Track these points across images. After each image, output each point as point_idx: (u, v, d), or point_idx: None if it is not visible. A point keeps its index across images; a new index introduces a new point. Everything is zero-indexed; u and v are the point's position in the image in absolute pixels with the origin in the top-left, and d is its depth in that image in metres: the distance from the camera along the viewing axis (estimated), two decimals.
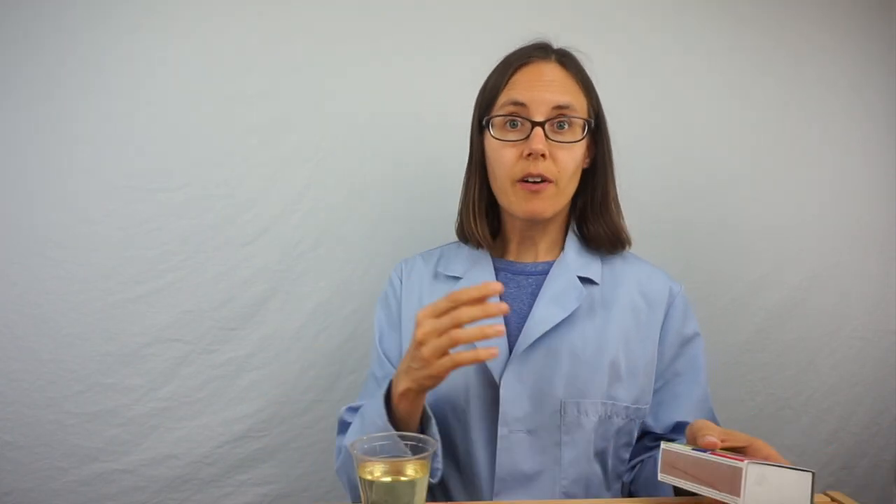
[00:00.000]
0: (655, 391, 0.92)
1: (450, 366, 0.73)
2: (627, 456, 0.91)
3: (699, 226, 1.33)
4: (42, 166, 1.16)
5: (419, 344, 0.73)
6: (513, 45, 0.95)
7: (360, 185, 1.26)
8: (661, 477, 0.72)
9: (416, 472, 0.67)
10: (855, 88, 1.36)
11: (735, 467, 0.63)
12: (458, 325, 0.72)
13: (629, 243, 0.97)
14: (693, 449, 0.70)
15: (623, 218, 0.97)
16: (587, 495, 0.87)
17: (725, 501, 0.64)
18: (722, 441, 0.71)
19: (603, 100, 1.29)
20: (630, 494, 0.93)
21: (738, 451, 0.73)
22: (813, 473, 0.64)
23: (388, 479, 0.67)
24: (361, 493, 0.68)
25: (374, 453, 0.71)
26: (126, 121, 1.18)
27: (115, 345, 1.17)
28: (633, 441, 0.91)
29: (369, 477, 0.66)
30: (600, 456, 0.88)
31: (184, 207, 1.20)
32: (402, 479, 0.67)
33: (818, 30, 1.35)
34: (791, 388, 1.35)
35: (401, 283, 0.99)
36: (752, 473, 0.62)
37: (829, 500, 0.78)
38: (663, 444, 0.73)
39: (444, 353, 0.73)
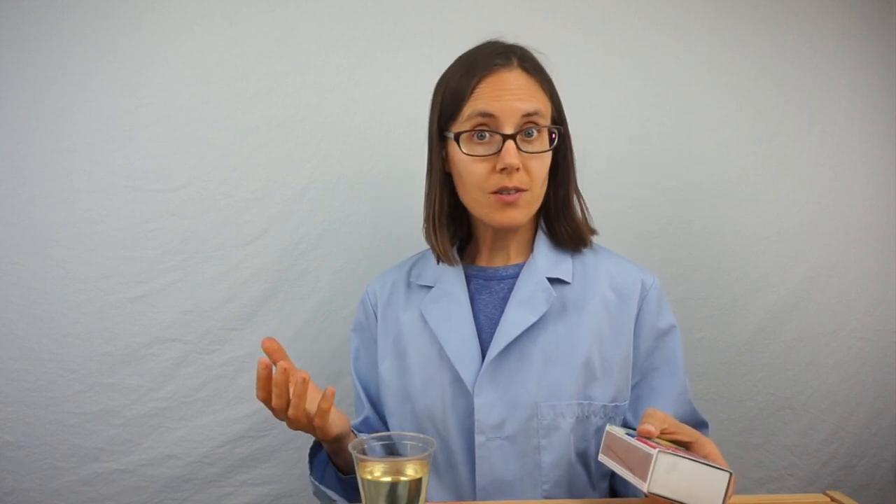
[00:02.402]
0: (633, 386, 0.91)
1: (295, 425, 0.78)
2: None
3: (699, 226, 1.33)
4: (42, 166, 1.16)
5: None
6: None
7: (360, 185, 1.26)
8: (600, 458, 0.74)
9: (417, 471, 0.67)
10: (855, 88, 1.36)
11: (647, 453, 0.64)
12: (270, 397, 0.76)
13: (590, 241, 0.95)
14: (627, 433, 0.70)
15: (587, 214, 0.96)
16: (571, 497, 0.87)
17: (637, 486, 0.64)
18: (670, 433, 0.72)
19: (604, 100, 1.31)
20: (612, 489, 0.92)
21: (682, 444, 0.73)
22: (731, 474, 0.63)
23: (388, 478, 0.67)
24: (361, 493, 0.68)
25: (374, 453, 0.71)
26: (126, 121, 1.18)
27: (115, 345, 1.17)
28: None
29: (369, 477, 0.66)
30: (582, 457, 0.87)
31: (184, 207, 1.20)
32: (403, 478, 0.67)
33: (818, 30, 1.35)
34: (791, 388, 1.35)
35: (373, 307, 0.99)
36: (663, 461, 0.62)
37: (828, 500, 0.78)
38: (608, 427, 0.74)
39: (285, 413, 0.76)
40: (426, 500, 0.69)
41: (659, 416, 0.73)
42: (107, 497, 1.18)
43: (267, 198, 1.23)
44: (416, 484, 0.67)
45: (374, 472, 0.67)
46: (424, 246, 1.04)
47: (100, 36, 1.18)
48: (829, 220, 1.35)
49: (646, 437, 0.69)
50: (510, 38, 0.92)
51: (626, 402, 0.90)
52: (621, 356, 0.89)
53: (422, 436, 0.71)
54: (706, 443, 0.73)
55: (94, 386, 1.17)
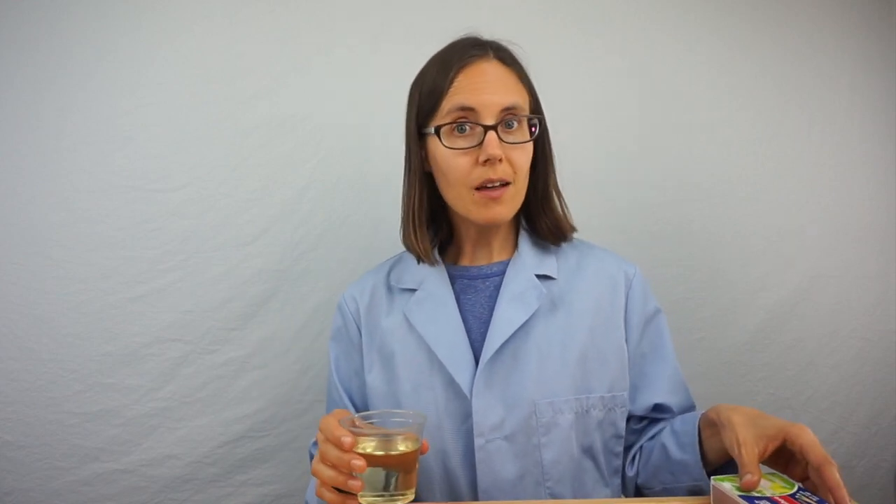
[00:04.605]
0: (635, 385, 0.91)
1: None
2: (620, 448, 0.90)
3: (699, 226, 1.33)
4: (42, 166, 1.16)
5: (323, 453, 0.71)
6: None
7: (360, 185, 1.26)
8: None
9: (408, 446, 0.68)
10: (855, 88, 1.36)
11: None
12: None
13: (570, 235, 0.95)
14: (741, 496, 0.67)
15: (566, 207, 0.95)
16: (576, 494, 0.86)
17: None
18: (761, 451, 0.69)
19: (604, 100, 1.31)
20: (638, 492, 0.92)
21: (776, 457, 0.71)
22: None
23: (381, 453, 0.68)
24: None
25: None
26: (126, 121, 1.18)
27: (115, 345, 1.17)
28: (622, 432, 0.90)
29: (361, 453, 0.67)
30: (589, 452, 0.87)
31: (184, 207, 1.20)
32: (394, 453, 0.68)
33: (818, 30, 1.35)
34: (791, 388, 1.35)
35: (354, 315, 0.97)
36: None
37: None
38: (713, 481, 0.71)
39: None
40: (417, 475, 0.70)
41: (748, 454, 0.69)
42: (107, 497, 1.18)
43: (267, 198, 1.23)
44: (408, 457, 0.68)
45: (367, 448, 0.68)
46: None
47: (100, 36, 1.18)
48: (829, 220, 1.35)
49: (750, 488, 0.67)
50: (507, 38, 0.92)
51: (625, 392, 0.89)
52: (614, 347, 0.89)
53: (411, 411, 0.73)
54: (795, 435, 0.68)
55: (94, 386, 1.17)
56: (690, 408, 0.92)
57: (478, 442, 0.84)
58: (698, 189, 1.33)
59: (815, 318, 1.35)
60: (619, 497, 0.91)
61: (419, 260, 0.94)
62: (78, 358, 1.16)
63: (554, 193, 0.94)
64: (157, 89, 1.19)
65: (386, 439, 0.69)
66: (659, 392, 0.91)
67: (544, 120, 0.92)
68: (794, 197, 1.35)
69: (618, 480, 0.91)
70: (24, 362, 1.15)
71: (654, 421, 0.92)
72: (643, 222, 1.32)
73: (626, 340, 0.91)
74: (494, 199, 0.85)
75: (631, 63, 1.31)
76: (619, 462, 0.91)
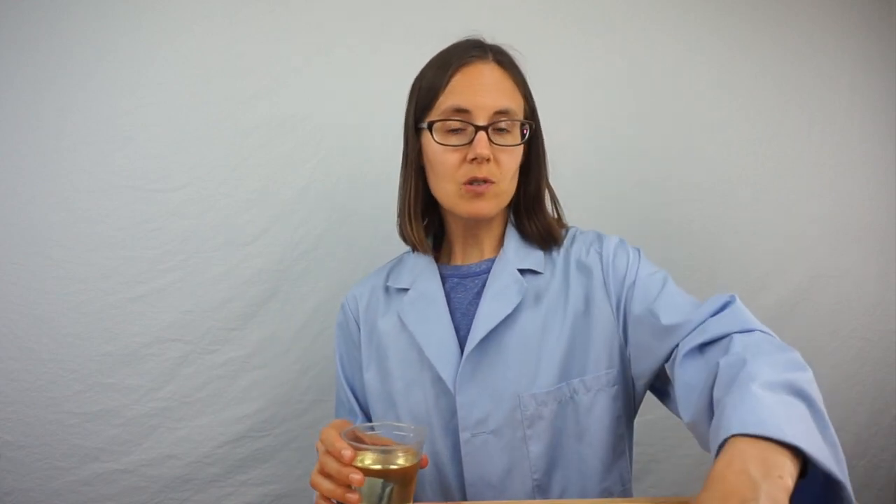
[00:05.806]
0: (642, 343, 0.84)
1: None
2: (623, 430, 0.89)
3: (699, 226, 1.33)
4: (42, 166, 1.16)
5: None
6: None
7: (360, 185, 1.26)
8: None
9: (408, 460, 0.68)
10: (855, 88, 1.36)
11: None
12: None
13: (561, 241, 0.94)
14: None
15: (559, 212, 0.96)
16: (567, 483, 0.86)
17: None
18: None
19: (603, 100, 1.31)
20: None
21: None
22: None
23: (379, 467, 0.68)
24: None
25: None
26: (126, 121, 1.18)
27: (115, 345, 1.17)
28: (620, 412, 0.88)
29: (360, 465, 0.68)
30: (583, 438, 0.86)
31: (184, 207, 1.20)
32: (393, 467, 0.68)
33: (818, 30, 1.35)
34: None
35: (354, 314, 0.99)
36: None
37: None
38: None
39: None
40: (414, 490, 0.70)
41: None
42: (107, 497, 1.18)
43: (267, 198, 1.23)
44: (406, 471, 0.68)
45: (365, 460, 0.68)
46: None
47: (100, 36, 1.18)
48: (829, 220, 1.35)
49: None
50: (507, 38, 0.92)
51: (614, 369, 0.87)
52: (599, 330, 0.88)
53: (412, 425, 0.73)
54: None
55: (94, 386, 1.17)
56: (723, 306, 0.81)
57: (463, 436, 0.85)
58: (698, 189, 1.33)
59: (815, 318, 1.35)
60: (627, 482, 0.90)
61: (414, 249, 0.95)
62: (78, 358, 1.16)
63: (546, 196, 0.95)
64: (157, 89, 1.19)
65: (385, 453, 0.69)
66: (665, 316, 0.81)
67: (537, 126, 0.93)
68: (794, 197, 1.35)
69: (623, 463, 0.90)
70: (24, 362, 1.15)
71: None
72: (643, 222, 1.32)
73: (617, 309, 0.87)
74: (479, 195, 0.86)
75: (631, 63, 1.31)
76: (623, 444, 0.90)
